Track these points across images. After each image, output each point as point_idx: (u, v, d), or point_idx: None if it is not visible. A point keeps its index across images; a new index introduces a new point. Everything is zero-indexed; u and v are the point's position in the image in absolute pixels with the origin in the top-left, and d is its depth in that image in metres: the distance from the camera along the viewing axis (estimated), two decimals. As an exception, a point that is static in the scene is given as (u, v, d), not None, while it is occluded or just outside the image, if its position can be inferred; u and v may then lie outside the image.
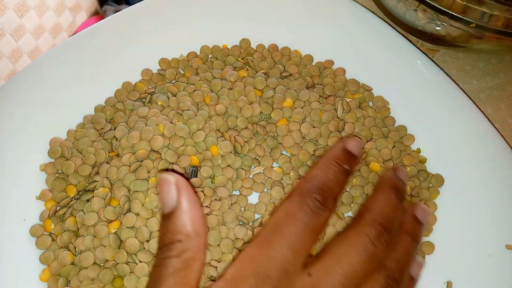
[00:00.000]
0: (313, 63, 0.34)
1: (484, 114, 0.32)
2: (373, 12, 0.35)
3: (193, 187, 0.27)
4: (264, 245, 0.20)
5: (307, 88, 0.33)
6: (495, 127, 0.32)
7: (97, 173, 0.28)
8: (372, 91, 0.33)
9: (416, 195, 0.30)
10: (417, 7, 0.32)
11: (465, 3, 0.29)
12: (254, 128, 0.30)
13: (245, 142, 0.30)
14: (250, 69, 0.33)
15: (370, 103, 0.33)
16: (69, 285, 0.27)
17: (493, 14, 0.29)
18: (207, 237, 0.22)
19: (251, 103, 0.31)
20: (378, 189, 0.22)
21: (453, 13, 0.29)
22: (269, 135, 0.31)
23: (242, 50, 0.35)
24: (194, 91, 0.31)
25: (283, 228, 0.20)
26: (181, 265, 0.20)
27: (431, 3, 0.30)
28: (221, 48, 0.35)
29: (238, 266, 0.19)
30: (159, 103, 0.31)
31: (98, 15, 0.98)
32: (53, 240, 0.27)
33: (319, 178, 0.21)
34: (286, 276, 0.19)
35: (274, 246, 0.20)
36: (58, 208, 0.28)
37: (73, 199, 0.28)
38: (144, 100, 0.32)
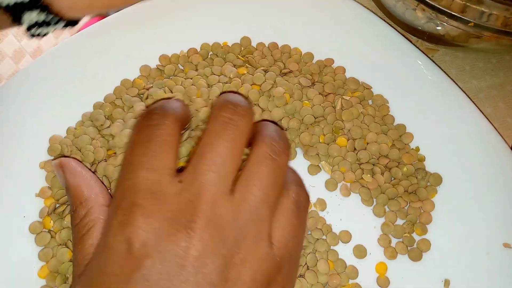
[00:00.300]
0: (313, 62, 0.34)
1: (483, 113, 0.32)
2: (373, 12, 0.36)
3: (80, 161, 0.28)
4: (120, 182, 0.20)
5: (306, 86, 0.33)
6: (494, 127, 0.32)
7: (95, 171, 0.28)
8: (371, 89, 0.33)
9: (413, 192, 0.30)
10: (416, 6, 0.32)
11: (464, 2, 0.29)
12: None
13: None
14: (250, 66, 0.33)
15: (370, 102, 0.33)
16: (67, 282, 0.27)
17: (492, 13, 0.29)
18: (102, 195, 0.23)
19: (246, 98, 0.31)
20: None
21: (452, 12, 0.30)
22: None
23: (242, 48, 0.35)
24: (192, 85, 0.31)
25: (128, 157, 0.20)
26: (83, 230, 0.21)
27: (430, 2, 0.30)
28: (222, 45, 0.35)
29: (109, 219, 0.20)
30: (155, 97, 0.31)
31: (100, 14, 0.98)
32: (52, 237, 0.27)
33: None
34: (154, 195, 0.19)
35: (126, 176, 0.20)
36: (57, 205, 0.28)
37: None
38: (142, 95, 0.32)
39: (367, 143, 0.31)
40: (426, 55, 0.34)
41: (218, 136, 0.20)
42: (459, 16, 0.30)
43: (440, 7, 0.30)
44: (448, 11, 0.30)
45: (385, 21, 0.35)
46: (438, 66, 0.34)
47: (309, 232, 0.28)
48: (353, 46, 0.35)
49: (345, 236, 0.29)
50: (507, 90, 0.37)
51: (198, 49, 0.34)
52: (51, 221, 0.28)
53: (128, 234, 0.18)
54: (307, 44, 0.35)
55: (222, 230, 0.18)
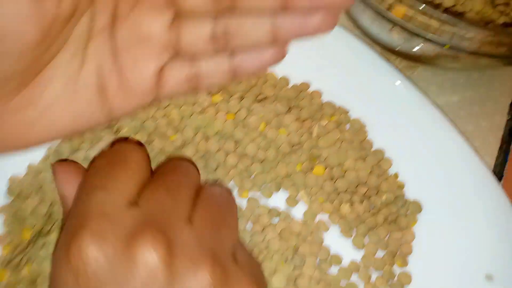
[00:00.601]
0: (289, 86, 0.34)
1: (464, 135, 0.31)
2: (349, 31, 0.35)
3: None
4: (73, 207, 0.20)
5: (282, 112, 0.32)
6: (475, 149, 0.31)
7: (51, 214, 0.27)
8: (348, 113, 0.32)
9: (394, 221, 0.29)
10: (392, 28, 0.31)
11: (439, 24, 0.28)
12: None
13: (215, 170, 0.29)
14: (225, 93, 0.33)
15: (347, 126, 0.32)
16: None
17: (467, 35, 0.28)
18: None
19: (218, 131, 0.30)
20: None
21: (427, 36, 0.29)
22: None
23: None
24: (164, 115, 0.30)
25: (87, 180, 0.20)
26: None
27: (405, 24, 0.29)
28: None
29: (57, 247, 0.19)
30: (125, 130, 0.30)
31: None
32: None
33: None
34: (107, 217, 0.18)
35: (82, 199, 0.19)
36: (14, 254, 0.26)
37: (30, 243, 0.26)
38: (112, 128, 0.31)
39: (345, 171, 0.30)
40: (404, 74, 0.33)
41: (171, 171, 0.21)
42: (435, 38, 0.29)
43: (415, 30, 0.29)
44: (423, 33, 0.29)
45: (362, 40, 0.34)
46: (418, 87, 0.33)
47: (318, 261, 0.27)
48: (329, 68, 0.34)
49: (354, 267, 0.28)
50: (488, 107, 0.36)
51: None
52: (8, 273, 0.25)
53: (75, 263, 0.16)
54: (281, 68, 0.34)
55: (184, 250, 0.18)
